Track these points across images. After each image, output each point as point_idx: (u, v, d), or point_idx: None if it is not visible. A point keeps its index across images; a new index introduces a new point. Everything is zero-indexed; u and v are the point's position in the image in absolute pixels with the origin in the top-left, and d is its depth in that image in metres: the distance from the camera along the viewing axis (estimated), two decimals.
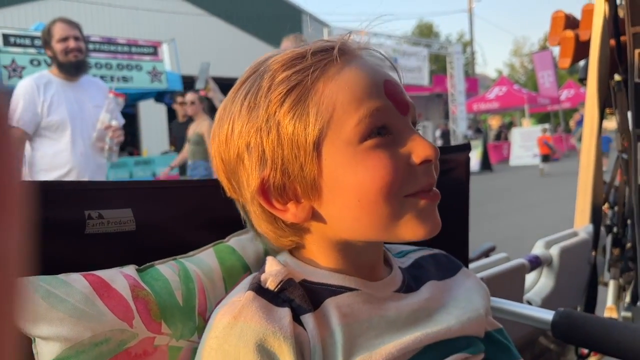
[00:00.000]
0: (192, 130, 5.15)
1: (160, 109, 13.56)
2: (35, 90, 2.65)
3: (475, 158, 15.08)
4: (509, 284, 1.27)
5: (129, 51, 8.04)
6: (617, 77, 1.72)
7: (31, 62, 6.65)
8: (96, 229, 0.64)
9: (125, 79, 7.82)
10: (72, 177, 2.69)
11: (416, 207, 0.59)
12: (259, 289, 0.60)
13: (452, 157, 1.00)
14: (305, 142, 0.58)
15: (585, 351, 1.36)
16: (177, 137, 6.85)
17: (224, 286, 0.70)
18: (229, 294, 0.65)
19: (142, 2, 15.48)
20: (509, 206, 8.52)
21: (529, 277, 1.56)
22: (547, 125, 18.33)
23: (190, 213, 0.74)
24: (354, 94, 0.58)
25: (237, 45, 17.19)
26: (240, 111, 0.61)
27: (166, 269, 0.67)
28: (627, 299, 1.91)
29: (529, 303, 1.45)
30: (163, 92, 8.66)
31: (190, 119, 5.45)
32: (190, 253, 0.72)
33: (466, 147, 1.02)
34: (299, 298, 0.59)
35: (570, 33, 1.97)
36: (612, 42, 1.64)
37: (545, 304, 1.50)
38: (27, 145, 2.67)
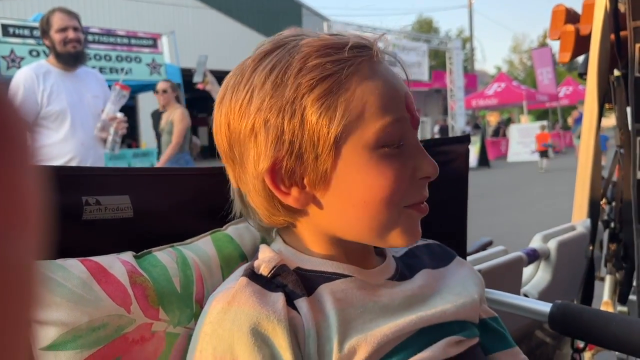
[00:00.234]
0: (165, 120, 4.84)
1: None
2: (34, 79, 2.63)
3: (473, 154, 15.08)
4: (506, 276, 1.28)
5: (128, 43, 7.98)
6: (616, 73, 1.72)
7: (30, 52, 6.61)
8: (93, 215, 0.64)
9: (124, 71, 7.78)
10: None
11: (409, 218, 0.62)
12: (252, 275, 0.60)
13: (452, 148, 1.00)
14: (327, 135, 0.58)
15: (581, 345, 1.36)
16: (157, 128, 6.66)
17: (221, 274, 0.70)
18: (224, 281, 0.65)
19: None
20: (506, 202, 8.53)
21: (527, 271, 1.57)
22: (545, 122, 18.31)
23: (188, 201, 0.74)
24: (382, 101, 0.59)
25: (236, 38, 17.16)
26: (263, 84, 0.59)
27: (164, 255, 0.67)
28: None
29: (526, 296, 1.45)
30: None
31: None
32: (188, 240, 0.72)
33: (466, 139, 1.03)
34: (292, 283, 0.60)
35: (570, 27, 1.96)
36: (612, 37, 1.64)
37: (542, 297, 1.50)
38: None
